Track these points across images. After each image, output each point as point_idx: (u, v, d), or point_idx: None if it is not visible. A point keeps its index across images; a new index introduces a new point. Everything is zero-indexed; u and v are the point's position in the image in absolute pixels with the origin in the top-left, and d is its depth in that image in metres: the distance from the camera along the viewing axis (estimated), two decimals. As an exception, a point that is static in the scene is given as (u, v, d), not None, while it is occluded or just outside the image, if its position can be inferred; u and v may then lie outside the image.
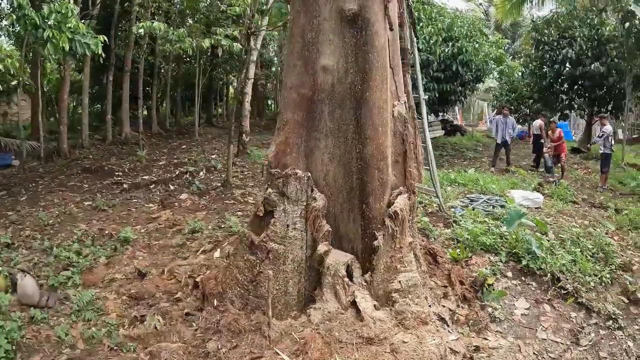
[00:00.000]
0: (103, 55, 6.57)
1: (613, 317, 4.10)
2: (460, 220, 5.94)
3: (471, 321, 4.01)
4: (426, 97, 7.73)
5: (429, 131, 16.12)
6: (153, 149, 11.41)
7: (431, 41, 11.03)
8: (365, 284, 3.75)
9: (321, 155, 3.77)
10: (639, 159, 14.71)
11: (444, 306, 4.07)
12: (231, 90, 23.29)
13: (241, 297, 3.75)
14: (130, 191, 7.49)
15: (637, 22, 11.30)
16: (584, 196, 8.48)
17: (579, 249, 5.06)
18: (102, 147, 11.50)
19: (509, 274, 4.80)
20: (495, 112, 17.91)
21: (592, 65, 12.68)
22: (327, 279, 3.71)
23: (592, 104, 14.42)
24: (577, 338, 3.94)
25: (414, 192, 4.03)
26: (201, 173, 8.85)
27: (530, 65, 15.13)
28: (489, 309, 4.19)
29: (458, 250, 4.99)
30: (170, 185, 7.99)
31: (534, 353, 3.76)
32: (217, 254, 4.96)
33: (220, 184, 8.00)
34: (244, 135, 10.31)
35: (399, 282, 3.75)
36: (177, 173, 8.68)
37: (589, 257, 4.94)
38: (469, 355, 3.54)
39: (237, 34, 9.12)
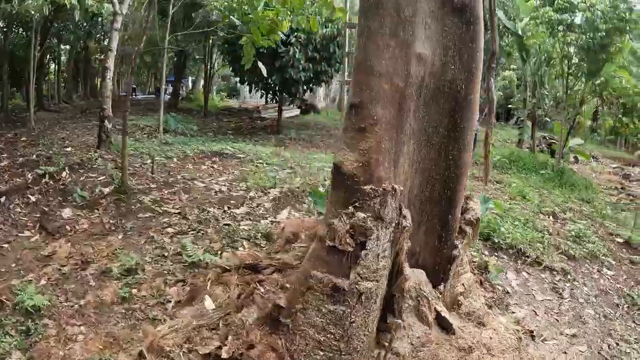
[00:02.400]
0: None
1: (566, 271, 5.05)
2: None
3: (497, 301, 4.28)
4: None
5: (287, 110, 16.03)
6: (-17, 146, 7.36)
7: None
8: (440, 295, 3.43)
9: (403, 162, 3.07)
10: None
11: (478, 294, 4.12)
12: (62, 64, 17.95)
13: (330, 360, 2.76)
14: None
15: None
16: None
17: (516, 222, 5.91)
18: None
19: (486, 251, 5.21)
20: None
21: None
22: (407, 302, 3.23)
23: None
24: (560, 293, 4.67)
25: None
26: (64, 174, 6.15)
27: None
28: (499, 287, 4.50)
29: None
30: (30, 196, 5.22)
31: (544, 313, 4.32)
32: (208, 303, 3.51)
33: (112, 189, 5.73)
34: (106, 121, 7.68)
35: (462, 284, 3.66)
36: (31, 177, 5.73)
37: (526, 227, 5.82)
38: (527, 329, 3.85)
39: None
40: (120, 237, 4.68)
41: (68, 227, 4.66)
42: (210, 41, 15.80)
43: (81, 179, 6.12)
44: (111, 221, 5.00)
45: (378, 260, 2.89)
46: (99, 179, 6.20)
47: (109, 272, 3.93)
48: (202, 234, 4.98)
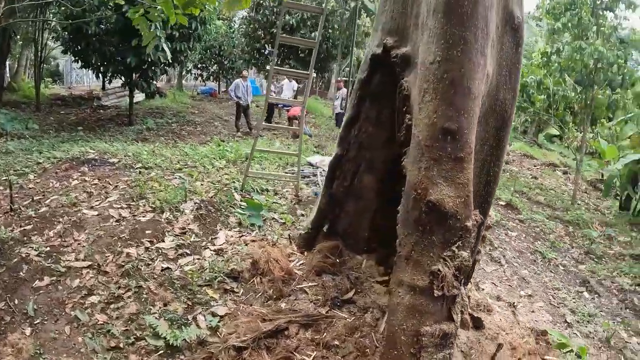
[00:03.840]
0: None
1: (491, 241, 5.78)
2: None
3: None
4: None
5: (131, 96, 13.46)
6: None
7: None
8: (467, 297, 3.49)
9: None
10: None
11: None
12: None
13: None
14: None
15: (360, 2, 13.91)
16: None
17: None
18: None
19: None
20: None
21: (314, 33, 14.61)
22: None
23: (305, 65, 16.77)
24: (498, 261, 5.46)
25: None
26: None
27: (245, 26, 15.47)
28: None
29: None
30: None
31: (499, 282, 4.95)
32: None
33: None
34: None
35: (470, 282, 3.85)
36: None
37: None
38: (509, 302, 4.32)
39: None
40: (27, 331, 2.98)
41: None
42: (46, 16, 11.49)
43: None
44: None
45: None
46: None
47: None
48: (144, 292, 3.65)
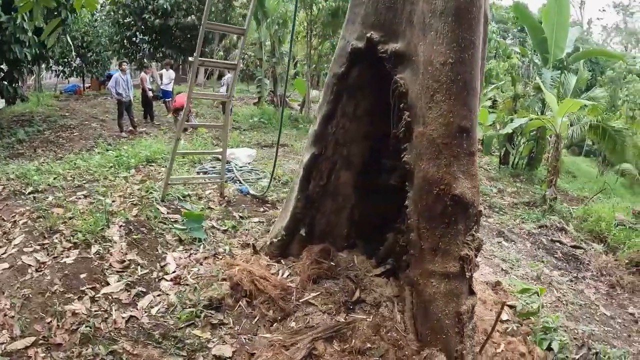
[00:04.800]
0: None
1: None
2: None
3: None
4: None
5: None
6: None
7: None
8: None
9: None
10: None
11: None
12: None
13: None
14: None
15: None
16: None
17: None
18: None
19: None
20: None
21: (190, 18, 13.49)
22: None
23: (181, 53, 15.30)
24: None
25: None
26: None
27: (113, 14, 13.33)
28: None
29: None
30: None
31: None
32: None
33: None
34: None
35: None
36: None
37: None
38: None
39: None
40: None
41: None
42: None
43: None
44: None
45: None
46: None
47: None
48: (123, 358, 3.00)
